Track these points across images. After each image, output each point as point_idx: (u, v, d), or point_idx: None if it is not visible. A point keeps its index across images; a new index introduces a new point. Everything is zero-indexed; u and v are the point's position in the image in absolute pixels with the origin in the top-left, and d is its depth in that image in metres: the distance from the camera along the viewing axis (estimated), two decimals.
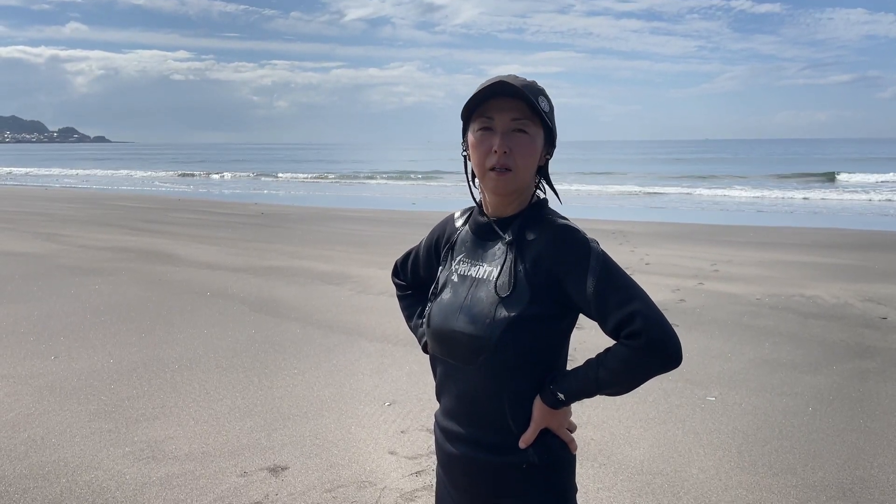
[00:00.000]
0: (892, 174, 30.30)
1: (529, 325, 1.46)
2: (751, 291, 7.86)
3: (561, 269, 1.46)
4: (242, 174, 42.77)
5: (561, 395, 1.49)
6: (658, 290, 7.77)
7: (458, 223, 1.70)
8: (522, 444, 1.50)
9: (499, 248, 1.55)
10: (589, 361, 1.49)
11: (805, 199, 22.95)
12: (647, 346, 1.38)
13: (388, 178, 37.47)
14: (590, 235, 1.50)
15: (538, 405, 1.51)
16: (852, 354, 5.59)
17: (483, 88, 1.48)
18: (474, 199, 1.64)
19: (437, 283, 1.65)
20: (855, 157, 57.67)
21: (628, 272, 1.53)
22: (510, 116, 1.49)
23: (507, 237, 1.53)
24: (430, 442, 3.91)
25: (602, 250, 1.48)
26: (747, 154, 75.61)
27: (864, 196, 23.08)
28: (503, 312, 1.46)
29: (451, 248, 1.66)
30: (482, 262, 1.56)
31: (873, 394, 4.73)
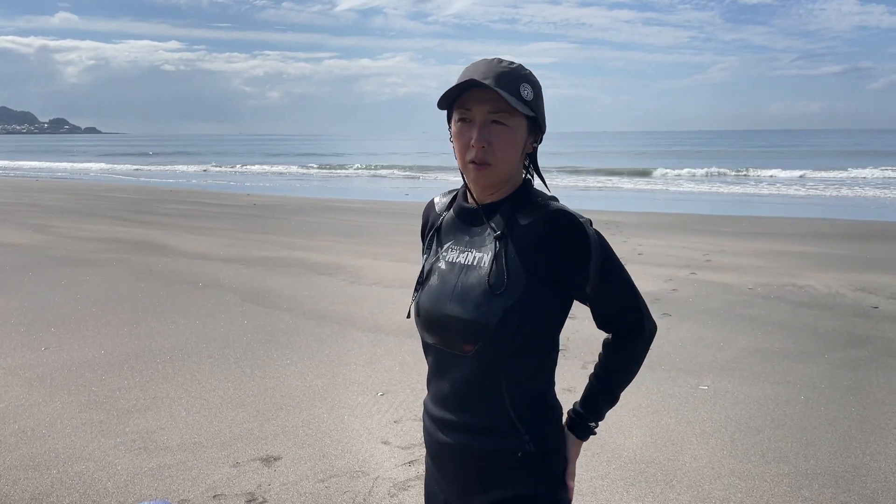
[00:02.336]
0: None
1: (525, 311, 1.43)
2: (743, 281, 7.87)
3: (559, 260, 1.44)
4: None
5: (593, 424, 1.59)
6: (651, 279, 7.78)
7: (439, 207, 1.66)
8: (570, 480, 1.55)
9: (488, 234, 1.51)
10: (598, 378, 1.58)
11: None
12: (647, 338, 1.55)
13: (381, 170, 37.04)
14: (582, 217, 1.46)
15: (573, 442, 1.57)
16: (844, 343, 5.61)
17: (458, 84, 1.43)
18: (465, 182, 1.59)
19: (423, 272, 1.60)
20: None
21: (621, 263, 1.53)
22: (488, 109, 1.43)
23: (497, 224, 1.49)
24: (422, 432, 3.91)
25: (598, 236, 1.46)
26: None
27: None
28: (498, 301, 1.43)
29: (437, 234, 1.62)
30: (471, 249, 1.52)
31: (865, 382, 4.75)
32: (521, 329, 1.44)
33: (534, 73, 1.50)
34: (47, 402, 4.35)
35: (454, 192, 1.65)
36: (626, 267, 1.53)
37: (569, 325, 1.56)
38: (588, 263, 1.44)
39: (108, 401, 4.40)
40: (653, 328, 1.55)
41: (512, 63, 1.47)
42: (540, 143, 1.55)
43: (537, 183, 1.58)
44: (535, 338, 1.47)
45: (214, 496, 3.24)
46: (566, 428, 1.58)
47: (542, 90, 1.53)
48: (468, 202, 1.56)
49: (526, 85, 1.46)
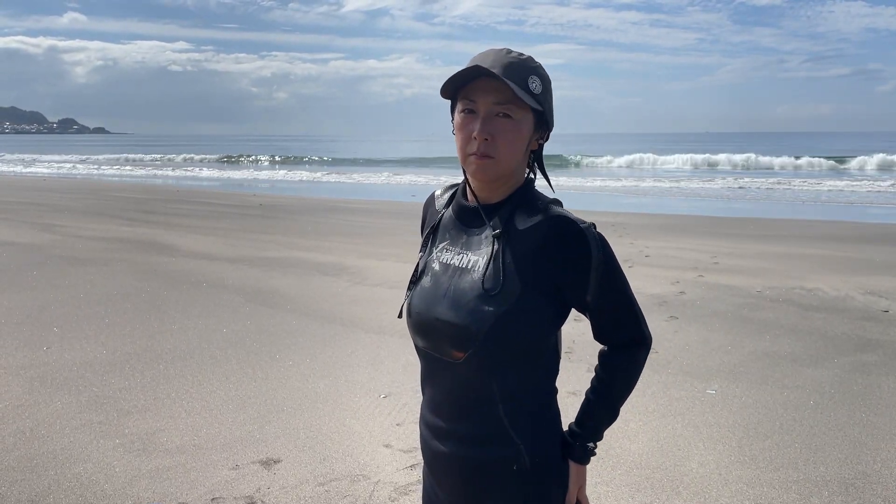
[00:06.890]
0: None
1: (519, 318, 1.37)
2: (751, 284, 7.79)
3: (559, 269, 1.38)
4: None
5: (592, 446, 1.50)
6: (658, 282, 7.70)
7: (439, 203, 1.61)
8: None
9: (485, 237, 1.44)
10: (595, 392, 1.50)
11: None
12: (647, 347, 1.51)
13: (390, 171, 36.04)
14: (585, 221, 1.39)
15: (573, 468, 1.48)
16: (854, 348, 5.53)
17: (463, 71, 1.37)
18: (465, 177, 1.53)
19: (416, 270, 1.54)
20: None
21: (628, 265, 1.47)
22: (493, 100, 1.37)
23: (495, 227, 1.43)
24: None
25: (601, 242, 1.39)
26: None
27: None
28: (491, 306, 1.36)
29: (434, 231, 1.56)
30: (466, 251, 1.46)
31: (875, 387, 4.67)
32: (513, 337, 1.38)
33: (544, 67, 1.44)
34: (47, 403, 4.32)
35: (455, 187, 1.59)
36: (633, 269, 1.47)
37: (575, 327, 1.51)
38: (588, 272, 1.38)
39: (109, 401, 4.36)
40: (650, 339, 1.52)
41: (521, 54, 1.41)
42: (546, 140, 1.48)
43: (542, 183, 1.52)
44: (529, 345, 1.42)
45: (213, 499, 3.19)
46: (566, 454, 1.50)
47: (552, 86, 1.46)
48: (467, 200, 1.50)
49: (535, 77, 1.39)
